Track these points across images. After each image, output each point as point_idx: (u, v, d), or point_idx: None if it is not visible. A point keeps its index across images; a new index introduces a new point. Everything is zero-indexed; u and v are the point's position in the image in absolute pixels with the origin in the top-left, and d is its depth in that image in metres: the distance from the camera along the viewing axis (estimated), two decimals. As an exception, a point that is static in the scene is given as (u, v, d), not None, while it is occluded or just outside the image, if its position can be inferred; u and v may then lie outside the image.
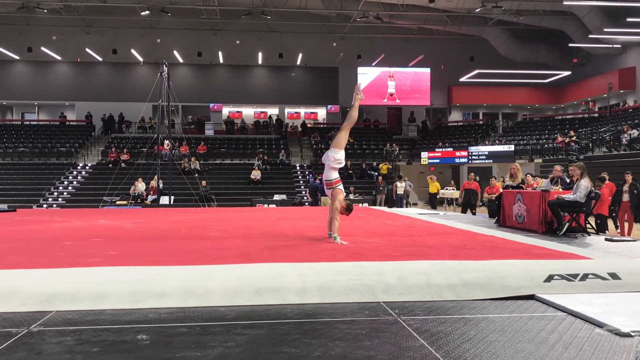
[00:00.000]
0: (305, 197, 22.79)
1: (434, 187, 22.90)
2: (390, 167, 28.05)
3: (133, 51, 31.80)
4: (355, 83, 32.56)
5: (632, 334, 3.34)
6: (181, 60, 32.85)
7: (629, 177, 12.83)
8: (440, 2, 27.38)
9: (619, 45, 29.98)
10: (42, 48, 30.98)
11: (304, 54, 33.28)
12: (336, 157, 7.48)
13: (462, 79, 34.18)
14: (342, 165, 7.64)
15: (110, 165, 26.48)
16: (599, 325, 3.63)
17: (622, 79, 30.23)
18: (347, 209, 7.49)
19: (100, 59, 32.55)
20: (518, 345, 3.27)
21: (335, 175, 7.53)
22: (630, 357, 2.90)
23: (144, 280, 4.63)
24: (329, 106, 35.36)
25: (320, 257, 5.89)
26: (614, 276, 4.84)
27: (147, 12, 28.08)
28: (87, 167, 27.31)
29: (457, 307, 4.21)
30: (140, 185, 21.74)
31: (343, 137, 7.70)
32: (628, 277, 4.85)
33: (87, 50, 31.53)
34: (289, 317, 3.92)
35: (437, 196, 22.72)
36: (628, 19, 26.09)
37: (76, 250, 6.62)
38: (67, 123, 33.50)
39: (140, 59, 32.45)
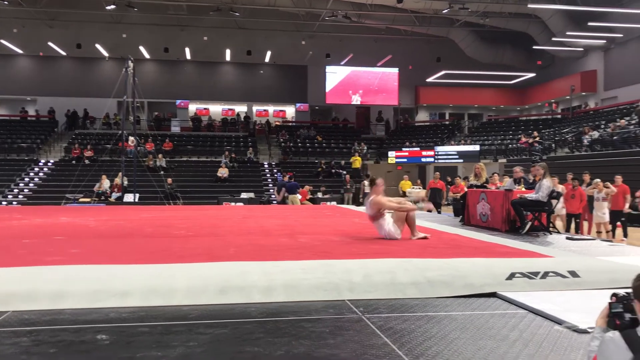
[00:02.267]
0: (273, 196, 22.71)
1: (406, 185, 23.18)
2: (362, 160, 28.25)
3: (98, 46, 31.19)
4: (324, 81, 32.60)
5: (589, 330, 3.40)
6: (147, 56, 32.36)
7: (587, 177, 13.16)
8: (408, 3, 27.60)
9: (581, 49, 30.70)
10: (2, 41, 30.14)
11: (273, 52, 33.15)
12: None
13: (429, 80, 34.55)
14: None
15: (74, 161, 25.93)
16: (558, 322, 3.70)
17: (584, 81, 30.97)
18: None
19: (63, 54, 31.82)
20: (479, 342, 3.30)
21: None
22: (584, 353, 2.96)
23: (106, 279, 4.54)
24: (298, 104, 35.31)
25: (287, 255, 5.88)
26: (573, 274, 4.93)
27: (112, 6, 27.52)
28: (49, 164, 26.69)
29: (420, 304, 4.24)
30: (105, 183, 21.35)
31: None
32: (587, 275, 4.95)
33: (50, 44, 30.79)
34: (253, 316, 3.89)
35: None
36: (589, 23, 26.74)
37: (36, 248, 6.47)
38: (29, 118, 32.68)
39: (105, 54, 31.86)
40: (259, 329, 3.57)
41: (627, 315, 2.34)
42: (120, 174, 20.58)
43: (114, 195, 20.89)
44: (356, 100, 34.65)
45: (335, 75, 33.96)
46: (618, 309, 2.38)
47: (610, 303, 2.43)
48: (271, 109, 36.21)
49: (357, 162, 27.74)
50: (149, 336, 3.41)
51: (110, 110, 29.96)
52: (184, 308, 4.07)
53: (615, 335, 2.27)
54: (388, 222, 7.52)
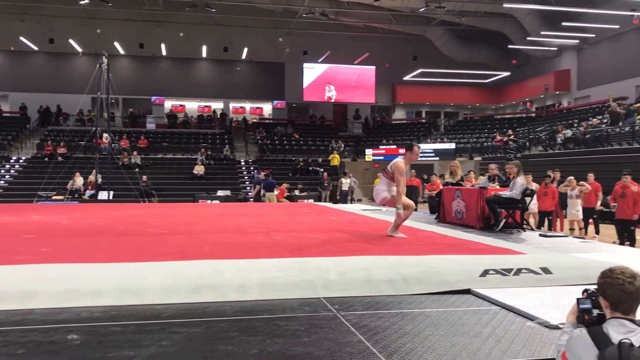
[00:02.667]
0: (249, 193, 22.62)
1: None
2: (340, 158, 28.30)
3: (71, 41, 30.69)
4: (301, 79, 32.45)
5: (561, 326, 3.44)
6: (122, 52, 31.96)
7: (557, 175, 13.39)
8: (385, 1, 27.68)
9: (555, 48, 31.15)
10: (-28, 35, 29.51)
11: (250, 49, 32.99)
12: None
13: (406, 78, 34.71)
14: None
15: (46, 158, 25.49)
16: (530, 318, 3.73)
17: (557, 80, 31.44)
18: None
19: (36, 48, 31.23)
20: (453, 339, 3.32)
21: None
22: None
23: (77, 278, 4.47)
24: (275, 102, 35.21)
25: (262, 253, 5.84)
26: (545, 271, 4.97)
27: (86, 0, 27.12)
28: (21, 161, 26.20)
29: (395, 301, 4.24)
30: (79, 180, 21.04)
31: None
32: (559, 271, 5.00)
33: (22, 38, 30.19)
34: (227, 314, 3.85)
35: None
36: (563, 23, 27.15)
37: (5, 247, 6.34)
38: (0, 114, 32.03)
39: (79, 50, 31.37)
40: (232, 327, 3.54)
41: (595, 312, 2.39)
42: (94, 171, 20.30)
43: (88, 192, 20.62)
44: (333, 97, 34.70)
45: (312, 72, 33.95)
46: (586, 305, 2.42)
47: (578, 299, 2.47)
48: (248, 106, 36.05)
49: (335, 159, 27.77)
50: (121, 335, 3.36)
51: (84, 107, 29.54)
52: (157, 307, 4.02)
53: (582, 332, 2.32)
54: (389, 190, 7.69)
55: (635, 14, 24.64)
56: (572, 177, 12.69)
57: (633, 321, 2.27)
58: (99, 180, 20.44)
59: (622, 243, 10.95)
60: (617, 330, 2.23)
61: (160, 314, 3.86)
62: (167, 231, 8.21)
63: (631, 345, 2.15)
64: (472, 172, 12.01)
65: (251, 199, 21.55)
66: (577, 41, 29.32)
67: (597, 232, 12.69)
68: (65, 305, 3.98)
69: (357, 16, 30.94)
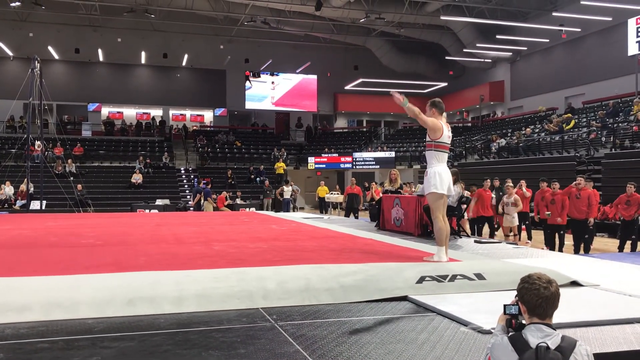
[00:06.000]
0: (189, 202, 22.25)
1: (323, 191, 23.38)
2: (285, 167, 28.25)
3: (1, 44, 29.43)
4: (243, 86, 32.22)
5: (492, 330, 3.54)
6: (57, 57, 30.88)
7: (496, 182, 13.87)
8: (327, 11, 27.94)
9: (490, 60, 32.27)
10: None
11: (190, 55, 32.57)
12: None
13: (347, 87, 35.09)
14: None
15: (-27, 167, 24.28)
16: (464, 323, 3.80)
17: (492, 91, 32.55)
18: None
19: (-38, 51, 29.82)
20: (389, 346, 3.35)
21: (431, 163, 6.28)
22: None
23: (2, 292, 4.26)
24: (216, 109, 34.86)
25: (199, 264, 5.75)
26: (479, 276, 5.08)
27: (17, 3, 26.08)
28: (-55, 169, 24.83)
29: (333, 310, 4.25)
30: (8, 189, 20.15)
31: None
32: (492, 277, 5.12)
33: (-53, 41, 28.77)
34: (162, 327, 3.75)
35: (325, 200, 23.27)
36: (498, 36, 28.19)
37: None
38: None
39: (10, 54, 30.11)
40: (167, 340, 3.45)
41: (522, 317, 2.48)
42: (25, 180, 19.48)
43: (19, 202, 19.77)
44: (275, 105, 34.69)
45: (254, 80, 33.85)
46: (512, 311, 2.51)
47: (505, 305, 2.56)
48: (188, 113, 35.55)
49: (280, 168, 27.69)
50: (48, 352, 3.22)
51: (15, 113, 28.40)
52: (88, 321, 3.87)
53: (503, 339, 2.42)
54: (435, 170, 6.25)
55: (564, 28, 25.87)
56: (510, 184, 13.10)
57: (550, 325, 2.39)
58: (31, 189, 19.62)
59: (552, 248, 11.44)
60: (535, 335, 2.34)
61: (91, 328, 3.72)
62: (101, 242, 7.96)
63: (547, 348, 2.27)
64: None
65: (191, 208, 21.19)
66: (510, 54, 30.51)
67: (530, 237, 13.17)
68: (-11, 322, 3.78)
69: (299, 25, 31.09)
